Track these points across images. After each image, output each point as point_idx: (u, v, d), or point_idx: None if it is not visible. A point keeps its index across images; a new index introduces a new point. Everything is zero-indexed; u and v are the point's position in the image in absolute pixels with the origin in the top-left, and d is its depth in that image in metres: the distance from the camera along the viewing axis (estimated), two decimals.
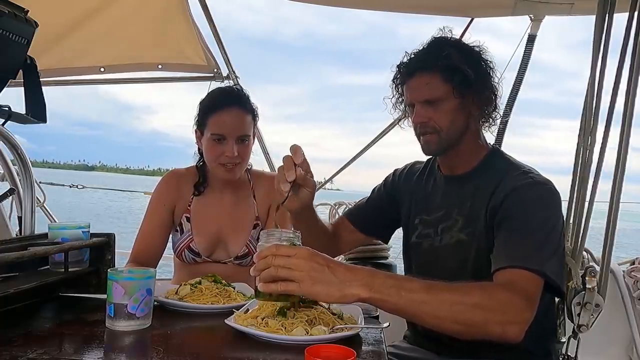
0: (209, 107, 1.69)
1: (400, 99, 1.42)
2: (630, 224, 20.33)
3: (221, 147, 1.65)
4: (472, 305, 1.03)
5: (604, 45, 1.55)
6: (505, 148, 1.40)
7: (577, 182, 1.58)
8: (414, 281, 1.07)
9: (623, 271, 2.22)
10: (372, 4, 2.64)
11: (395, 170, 1.63)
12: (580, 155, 1.55)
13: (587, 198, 1.63)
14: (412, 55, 1.37)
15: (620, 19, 1.53)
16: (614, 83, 1.52)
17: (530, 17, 2.39)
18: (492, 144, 1.46)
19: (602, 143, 1.53)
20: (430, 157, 1.52)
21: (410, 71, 1.36)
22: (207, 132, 1.67)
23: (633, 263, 2.28)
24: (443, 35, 1.39)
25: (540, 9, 2.31)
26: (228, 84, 2.62)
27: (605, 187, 1.52)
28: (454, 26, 1.42)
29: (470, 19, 2.43)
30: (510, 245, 1.18)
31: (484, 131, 1.43)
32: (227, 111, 1.66)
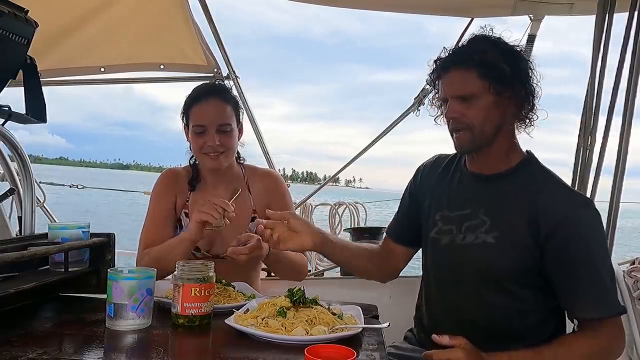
0: (190, 102, 1.74)
1: (437, 94, 1.41)
2: None
3: (203, 138, 1.68)
4: (584, 356, 1.26)
5: (604, 45, 1.55)
6: (534, 145, 1.37)
7: (577, 182, 1.59)
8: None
9: (623, 271, 2.21)
10: (372, 4, 2.64)
11: (418, 168, 1.60)
12: (580, 156, 1.56)
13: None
14: (450, 51, 1.36)
15: (620, 19, 1.54)
16: (614, 83, 1.53)
17: (530, 17, 2.39)
18: (526, 149, 1.41)
19: (602, 143, 1.53)
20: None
21: (446, 66, 1.34)
22: (190, 125, 1.72)
23: (633, 263, 2.27)
24: (483, 33, 1.36)
25: (540, 9, 2.31)
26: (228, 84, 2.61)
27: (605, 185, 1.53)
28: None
29: (470, 18, 2.43)
30: (589, 293, 1.27)
31: (518, 131, 1.39)
32: (205, 102, 1.71)
